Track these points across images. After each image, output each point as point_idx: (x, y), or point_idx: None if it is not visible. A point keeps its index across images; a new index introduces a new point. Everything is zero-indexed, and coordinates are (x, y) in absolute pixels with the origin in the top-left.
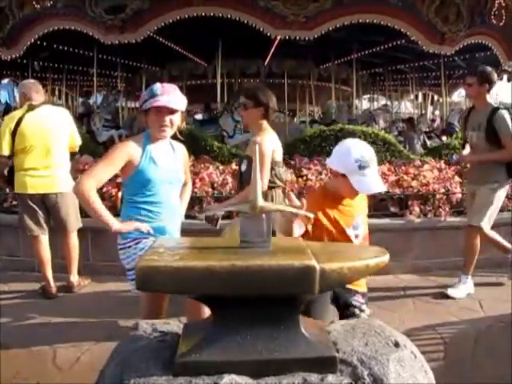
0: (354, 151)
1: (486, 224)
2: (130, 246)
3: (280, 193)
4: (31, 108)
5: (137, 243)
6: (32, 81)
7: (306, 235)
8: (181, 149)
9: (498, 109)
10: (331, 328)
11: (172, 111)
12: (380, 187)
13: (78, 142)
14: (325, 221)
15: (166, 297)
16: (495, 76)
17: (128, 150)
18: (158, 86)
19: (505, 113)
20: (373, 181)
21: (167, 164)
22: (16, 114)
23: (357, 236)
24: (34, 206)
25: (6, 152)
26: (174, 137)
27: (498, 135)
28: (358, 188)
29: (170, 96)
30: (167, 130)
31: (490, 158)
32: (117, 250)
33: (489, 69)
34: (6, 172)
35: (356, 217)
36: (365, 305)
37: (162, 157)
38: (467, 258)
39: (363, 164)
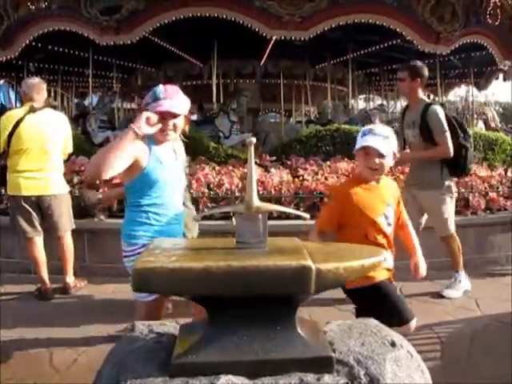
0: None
1: (452, 226)
2: (139, 253)
3: None
4: (32, 110)
5: None
6: (36, 80)
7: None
8: (181, 149)
9: (430, 104)
10: (327, 328)
11: (175, 115)
12: (376, 143)
13: (69, 149)
14: (351, 206)
15: (163, 308)
16: (426, 70)
17: (138, 147)
18: (160, 90)
19: (437, 108)
20: (369, 140)
21: (172, 164)
22: (16, 114)
23: (389, 224)
24: (28, 207)
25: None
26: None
27: (432, 132)
28: (355, 148)
29: (173, 100)
30: (171, 134)
31: (424, 156)
32: (113, 251)
33: (419, 63)
34: None
35: (386, 205)
36: None
37: (167, 157)
38: (453, 258)
39: (365, 132)
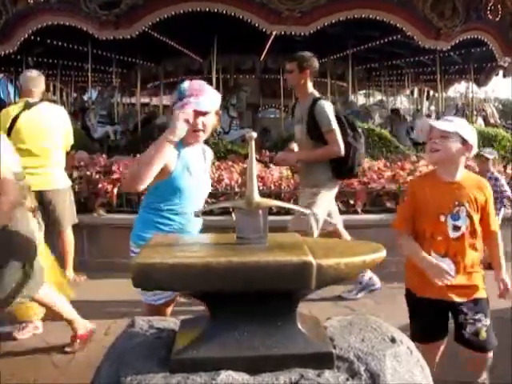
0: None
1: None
2: None
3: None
4: (28, 106)
5: None
6: (33, 73)
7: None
8: (210, 155)
9: (319, 99)
10: (328, 324)
11: (203, 113)
12: (439, 124)
13: (71, 141)
14: (418, 202)
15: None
16: (316, 62)
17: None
18: (185, 86)
19: (325, 103)
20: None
21: (199, 170)
22: (11, 111)
23: (456, 228)
24: None
25: None
26: None
27: (320, 129)
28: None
29: (199, 97)
30: (200, 135)
31: (311, 156)
32: (112, 246)
33: (309, 53)
34: None
35: (457, 203)
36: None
37: (195, 162)
38: None
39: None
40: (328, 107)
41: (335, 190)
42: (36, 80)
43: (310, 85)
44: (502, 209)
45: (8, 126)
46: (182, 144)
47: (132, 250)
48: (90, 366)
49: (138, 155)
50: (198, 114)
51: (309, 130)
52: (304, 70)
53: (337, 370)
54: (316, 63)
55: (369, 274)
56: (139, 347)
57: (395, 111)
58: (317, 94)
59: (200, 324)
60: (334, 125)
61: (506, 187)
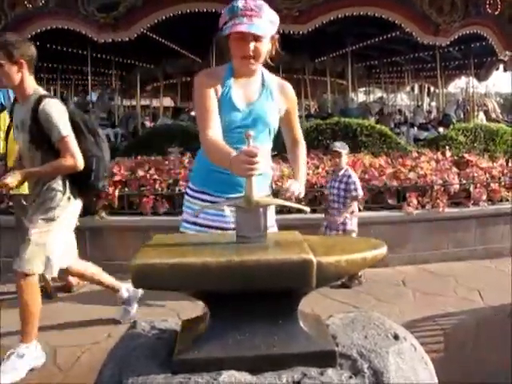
0: None
1: (38, 267)
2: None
3: None
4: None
5: None
6: None
7: None
8: (281, 88)
9: (44, 97)
10: (330, 321)
11: (257, 37)
12: None
13: None
14: None
15: None
16: (31, 47)
17: (208, 82)
18: (238, 4)
19: (54, 103)
20: None
21: (251, 107)
22: (7, 115)
23: None
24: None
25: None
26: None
27: (48, 137)
28: None
29: (255, 18)
30: (252, 62)
31: (39, 173)
32: (114, 249)
33: (16, 37)
34: None
35: None
36: None
37: (245, 97)
38: (24, 321)
39: None
40: (57, 108)
41: (77, 214)
42: None
43: (29, 79)
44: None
45: (6, 129)
46: (231, 73)
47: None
48: (93, 369)
49: (138, 157)
50: (252, 37)
51: (33, 138)
52: (17, 61)
53: (340, 367)
54: (32, 49)
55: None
56: (141, 348)
57: (380, 112)
58: (42, 92)
59: (201, 324)
60: (67, 130)
61: (358, 185)
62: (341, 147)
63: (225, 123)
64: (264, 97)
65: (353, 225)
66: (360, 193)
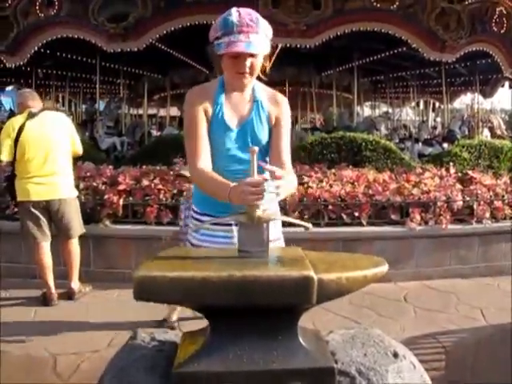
0: None
1: None
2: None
3: None
4: (31, 115)
5: None
6: (27, 90)
7: None
8: (272, 98)
9: None
10: (330, 338)
11: (254, 54)
12: None
13: (78, 146)
14: None
15: None
16: None
17: (199, 101)
18: (234, 17)
19: None
20: None
21: (243, 126)
22: (16, 121)
23: None
24: (38, 213)
25: (6, 158)
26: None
27: None
28: None
29: (250, 34)
30: (246, 77)
31: None
32: (118, 257)
33: None
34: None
35: None
36: None
37: (237, 115)
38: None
39: None
40: None
41: None
42: (31, 94)
43: None
44: None
45: (15, 136)
46: (223, 88)
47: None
48: (93, 378)
49: (144, 166)
50: (248, 55)
51: None
52: None
53: None
54: None
55: None
56: (141, 360)
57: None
58: None
59: (201, 337)
60: None
61: None
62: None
63: (216, 144)
64: (255, 113)
65: None
66: None
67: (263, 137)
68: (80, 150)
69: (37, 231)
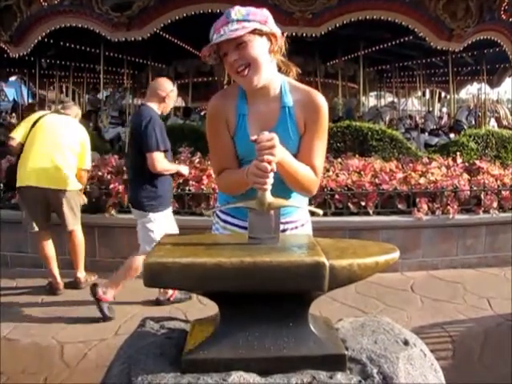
0: None
1: None
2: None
3: None
4: (57, 111)
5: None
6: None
7: None
8: (303, 100)
9: None
10: (340, 325)
11: (238, 43)
12: None
13: (86, 161)
14: None
15: None
16: None
17: (220, 115)
18: (212, 28)
19: None
20: None
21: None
22: (39, 114)
23: None
24: (35, 200)
25: (18, 138)
26: None
27: None
28: None
29: (221, 29)
30: (246, 73)
31: None
32: (124, 246)
33: None
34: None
35: None
36: None
37: (261, 125)
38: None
39: None
40: None
41: None
42: (67, 104)
43: None
44: None
45: (31, 124)
46: (244, 96)
47: None
48: (100, 366)
49: None
50: (232, 46)
51: None
52: None
53: (349, 372)
54: None
55: None
56: (150, 347)
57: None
58: None
59: (211, 324)
60: None
61: None
62: None
63: (241, 155)
64: (282, 122)
65: None
66: None
67: (290, 147)
68: (86, 166)
69: (32, 219)
